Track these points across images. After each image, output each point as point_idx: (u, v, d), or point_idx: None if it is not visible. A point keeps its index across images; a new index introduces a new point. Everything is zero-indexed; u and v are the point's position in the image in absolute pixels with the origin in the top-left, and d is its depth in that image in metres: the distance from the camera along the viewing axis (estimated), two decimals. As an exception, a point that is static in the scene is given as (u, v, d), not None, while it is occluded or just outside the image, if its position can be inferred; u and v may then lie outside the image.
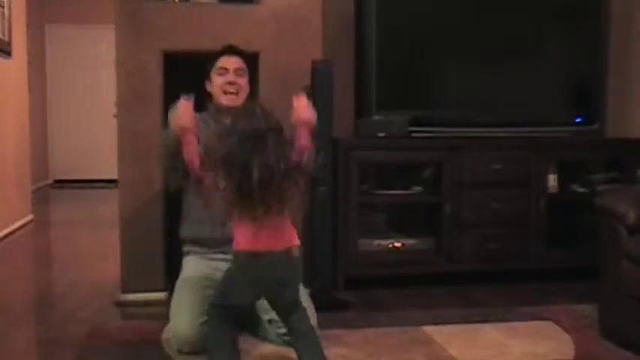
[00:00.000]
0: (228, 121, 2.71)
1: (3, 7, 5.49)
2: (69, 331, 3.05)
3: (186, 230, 2.98)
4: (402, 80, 3.89)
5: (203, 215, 2.74)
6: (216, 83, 2.93)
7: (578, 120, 4.09)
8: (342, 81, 3.83)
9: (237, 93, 2.93)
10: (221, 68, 2.94)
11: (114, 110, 3.96)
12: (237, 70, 2.94)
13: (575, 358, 2.70)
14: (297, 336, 2.34)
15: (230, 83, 2.92)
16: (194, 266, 2.88)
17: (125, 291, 3.46)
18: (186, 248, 3.00)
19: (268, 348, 2.71)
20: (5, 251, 4.97)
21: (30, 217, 6.19)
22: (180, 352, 2.66)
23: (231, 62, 2.95)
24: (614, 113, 4.30)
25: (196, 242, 2.93)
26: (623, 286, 2.77)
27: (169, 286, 3.26)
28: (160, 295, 3.41)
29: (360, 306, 3.46)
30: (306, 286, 3.12)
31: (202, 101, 2.97)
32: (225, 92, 2.93)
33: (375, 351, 2.73)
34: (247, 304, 2.44)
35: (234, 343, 2.38)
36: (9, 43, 5.64)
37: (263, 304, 2.73)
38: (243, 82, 2.96)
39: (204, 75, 2.99)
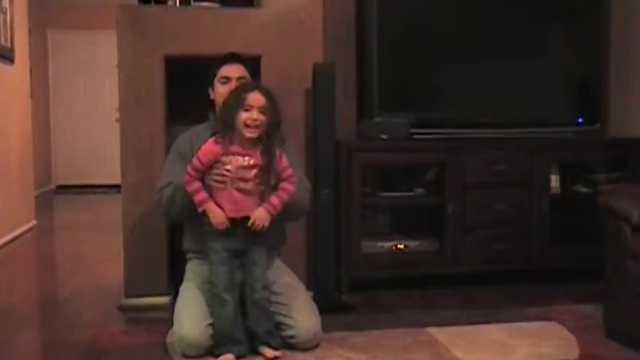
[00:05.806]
0: None
1: (5, 13, 5.50)
2: (73, 336, 3.06)
3: (187, 242, 2.99)
4: (403, 82, 3.89)
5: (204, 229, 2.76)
6: (219, 92, 2.92)
7: (579, 120, 4.08)
8: (343, 83, 3.83)
9: None
10: (223, 77, 2.94)
11: (116, 115, 3.96)
12: (239, 79, 2.94)
13: (580, 358, 2.70)
14: None
15: None
16: (198, 271, 2.88)
17: (128, 295, 3.46)
18: (189, 255, 3.01)
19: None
20: (9, 256, 4.98)
21: (33, 222, 6.20)
22: (184, 355, 2.66)
23: (233, 70, 2.95)
24: (616, 113, 4.30)
25: (199, 252, 2.92)
26: (628, 285, 2.77)
27: (173, 290, 3.26)
28: (164, 300, 3.41)
29: (363, 308, 3.46)
30: (309, 288, 3.12)
31: (205, 107, 2.99)
32: None
33: (379, 353, 2.73)
34: None
35: None
36: (11, 50, 5.65)
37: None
38: None
39: (208, 82, 2.99)
